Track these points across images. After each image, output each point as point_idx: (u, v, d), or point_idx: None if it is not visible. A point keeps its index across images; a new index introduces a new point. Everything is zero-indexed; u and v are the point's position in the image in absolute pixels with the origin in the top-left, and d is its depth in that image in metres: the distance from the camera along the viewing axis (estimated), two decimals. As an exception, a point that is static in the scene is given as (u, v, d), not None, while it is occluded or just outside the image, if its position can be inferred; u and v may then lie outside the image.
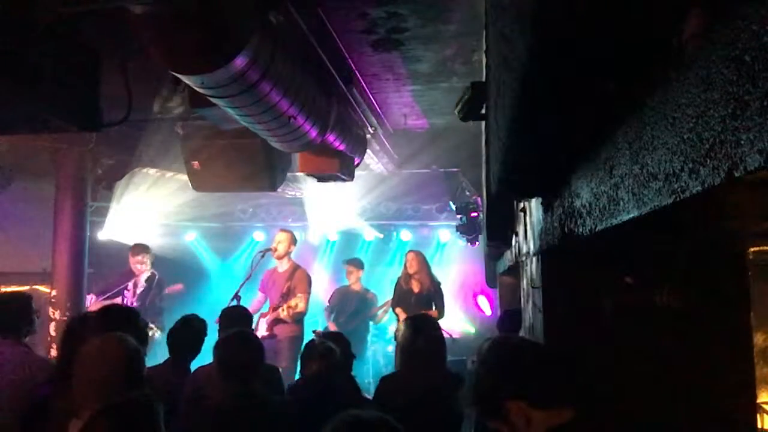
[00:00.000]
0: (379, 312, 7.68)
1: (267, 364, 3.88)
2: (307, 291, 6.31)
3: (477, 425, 3.07)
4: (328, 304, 7.70)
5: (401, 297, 6.91)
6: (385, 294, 7.86)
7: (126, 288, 7.03)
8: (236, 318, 3.96)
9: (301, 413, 2.97)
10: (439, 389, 3.15)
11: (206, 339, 3.89)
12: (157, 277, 7.10)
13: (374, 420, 1.44)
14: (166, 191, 8.16)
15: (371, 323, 7.77)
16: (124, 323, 2.87)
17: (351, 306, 7.46)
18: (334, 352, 3.41)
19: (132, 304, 6.71)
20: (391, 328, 8.51)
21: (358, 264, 7.85)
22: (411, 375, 3.28)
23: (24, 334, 3.41)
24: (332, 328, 7.05)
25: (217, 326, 4.07)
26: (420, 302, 6.73)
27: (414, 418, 2.79)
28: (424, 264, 6.95)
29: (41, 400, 2.68)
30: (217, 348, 3.03)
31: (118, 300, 6.73)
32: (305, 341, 5.42)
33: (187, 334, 3.78)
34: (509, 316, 4.68)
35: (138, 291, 6.97)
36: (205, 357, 3.82)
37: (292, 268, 6.43)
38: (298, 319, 6.20)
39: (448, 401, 3.12)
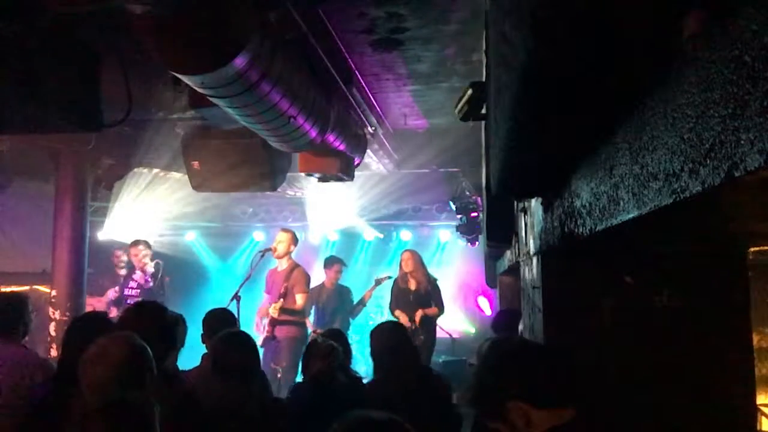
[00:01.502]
0: (357, 307, 7.56)
1: None
2: (305, 290, 6.31)
3: (476, 425, 3.07)
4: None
5: (400, 296, 6.91)
6: (384, 294, 7.83)
7: (128, 286, 7.05)
8: (220, 321, 3.92)
9: (306, 412, 2.97)
10: (416, 391, 3.21)
11: (196, 341, 3.89)
12: (161, 265, 7.20)
13: (385, 421, 1.43)
14: (165, 191, 8.16)
15: (350, 319, 7.65)
16: (151, 321, 2.83)
17: (330, 304, 7.34)
18: (337, 351, 3.41)
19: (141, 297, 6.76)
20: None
21: (343, 263, 7.79)
22: (387, 380, 3.34)
23: (21, 335, 3.40)
24: (311, 329, 6.81)
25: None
26: (418, 300, 6.73)
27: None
28: (419, 262, 6.95)
29: (40, 401, 2.68)
30: (214, 348, 3.02)
31: (129, 299, 6.75)
32: (306, 342, 5.40)
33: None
34: (504, 316, 4.69)
35: (152, 285, 6.99)
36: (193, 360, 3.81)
37: (291, 267, 6.43)
38: (296, 313, 6.18)
39: (431, 401, 3.17)
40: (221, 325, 3.73)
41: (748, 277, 2.17)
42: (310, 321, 7.11)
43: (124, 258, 7.49)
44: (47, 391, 2.72)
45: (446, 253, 9.91)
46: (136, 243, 7.19)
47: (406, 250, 7.21)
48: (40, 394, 2.76)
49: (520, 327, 3.66)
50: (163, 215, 8.86)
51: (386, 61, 4.94)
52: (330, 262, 7.61)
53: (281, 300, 6.07)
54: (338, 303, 7.37)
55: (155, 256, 7.38)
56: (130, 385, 2.21)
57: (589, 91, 1.14)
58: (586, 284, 2.19)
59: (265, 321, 6.17)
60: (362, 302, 7.48)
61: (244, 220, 9.96)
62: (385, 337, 3.57)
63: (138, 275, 7.04)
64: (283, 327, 6.13)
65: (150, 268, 7.05)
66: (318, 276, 7.66)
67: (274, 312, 6.02)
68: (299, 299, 6.21)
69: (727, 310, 2.14)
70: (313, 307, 7.24)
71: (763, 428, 2.72)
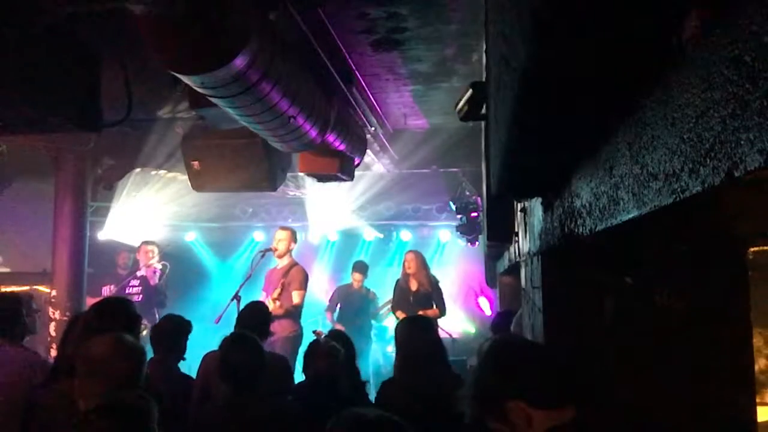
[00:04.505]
0: (383, 310, 7.75)
1: (275, 354, 3.92)
2: (302, 287, 6.29)
3: (478, 425, 3.06)
4: (329, 303, 7.74)
5: (401, 297, 6.93)
6: (385, 294, 7.89)
7: (129, 285, 7.06)
8: (253, 314, 4.00)
9: (305, 413, 2.97)
10: (441, 391, 3.11)
11: (199, 341, 3.96)
12: (168, 267, 7.37)
13: (377, 418, 1.43)
14: (166, 191, 8.16)
15: (373, 321, 7.85)
16: (120, 318, 2.83)
17: (355, 304, 7.53)
18: (338, 352, 3.40)
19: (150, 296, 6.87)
20: (392, 329, 8.51)
21: (366, 269, 8.02)
22: (410, 378, 3.24)
23: (19, 335, 3.38)
24: (337, 327, 7.11)
25: (215, 326, 4.08)
26: (419, 301, 6.74)
27: (415, 421, 2.77)
28: (422, 264, 6.98)
29: (39, 400, 2.67)
30: (221, 351, 3.04)
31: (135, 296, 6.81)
32: (303, 340, 5.40)
33: (165, 332, 3.81)
34: (502, 317, 4.70)
35: (157, 283, 7.13)
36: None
37: (290, 265, 6.43)
38: (293, 312, 6.18)
39: (452, 403, 3.09)
40: (254, 318, 3.80)
41: (748, 277, 2.17)
42: (333, 318, 7.36)
43: (130, 260, 7.54)
44: (46, 390, 2.72)
45: (446, 253, 9.90)
46: (150, 243, 7.37)
47: (409, 251, 7.26)
48: (40, 394, 2.76)
49: (512, 327, 3.63)
50: (163, 215, 8.86)
51: (386, 61, 4.94)
52: (352, 268, 7.99)
53: (278, 290, 6.09)
54: (361, 304, 7.68)
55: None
56: (126, 384, 2.21)
57: (590, 91, 1.14)
58: (586, 284, 2.19)
59: None
60: (385, 307, 7.73)
61: (244, 220, 9.95)
62: (399, 334, 3.44)
63: (144, 272, 7.11)
64: (278, 323, 6.11)
65: (158, 265, 7.14)
66: (318, 276, 7.74)
67: (272, 307, 6.02)
68: (296, 296, 6.19)
69: (727, 310, 2.14)
70: (337, 304, 7.64)
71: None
